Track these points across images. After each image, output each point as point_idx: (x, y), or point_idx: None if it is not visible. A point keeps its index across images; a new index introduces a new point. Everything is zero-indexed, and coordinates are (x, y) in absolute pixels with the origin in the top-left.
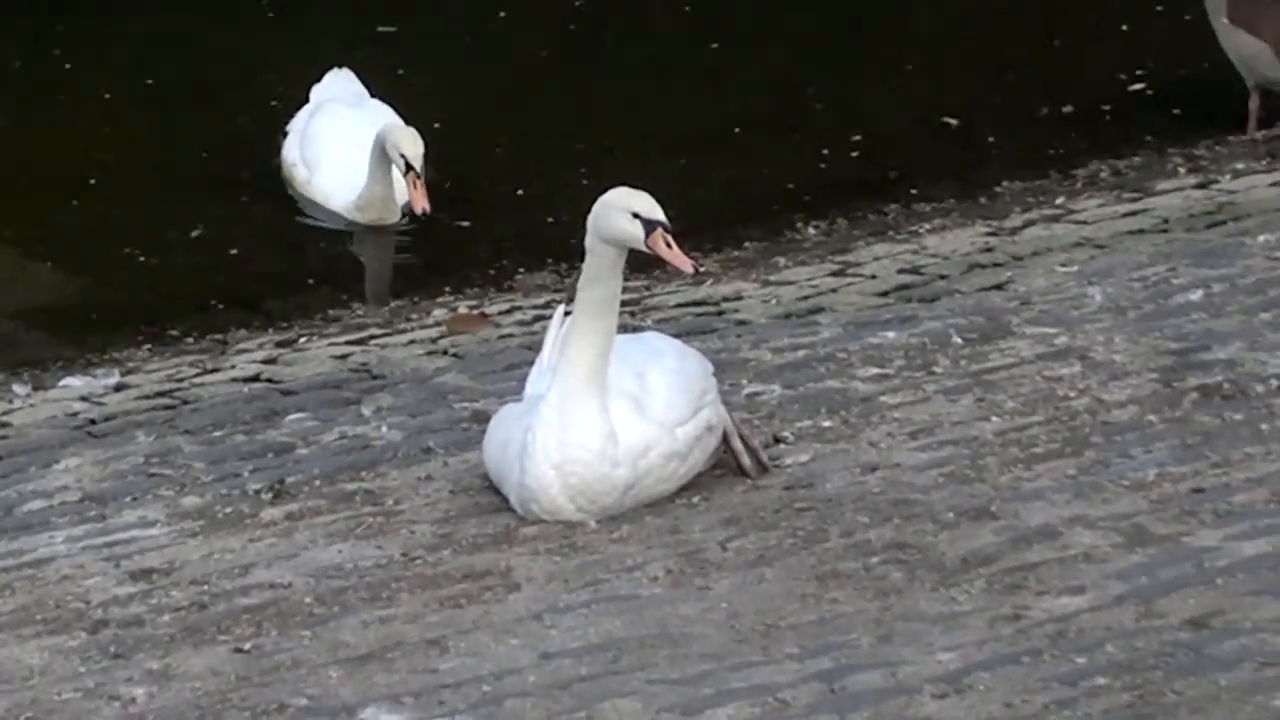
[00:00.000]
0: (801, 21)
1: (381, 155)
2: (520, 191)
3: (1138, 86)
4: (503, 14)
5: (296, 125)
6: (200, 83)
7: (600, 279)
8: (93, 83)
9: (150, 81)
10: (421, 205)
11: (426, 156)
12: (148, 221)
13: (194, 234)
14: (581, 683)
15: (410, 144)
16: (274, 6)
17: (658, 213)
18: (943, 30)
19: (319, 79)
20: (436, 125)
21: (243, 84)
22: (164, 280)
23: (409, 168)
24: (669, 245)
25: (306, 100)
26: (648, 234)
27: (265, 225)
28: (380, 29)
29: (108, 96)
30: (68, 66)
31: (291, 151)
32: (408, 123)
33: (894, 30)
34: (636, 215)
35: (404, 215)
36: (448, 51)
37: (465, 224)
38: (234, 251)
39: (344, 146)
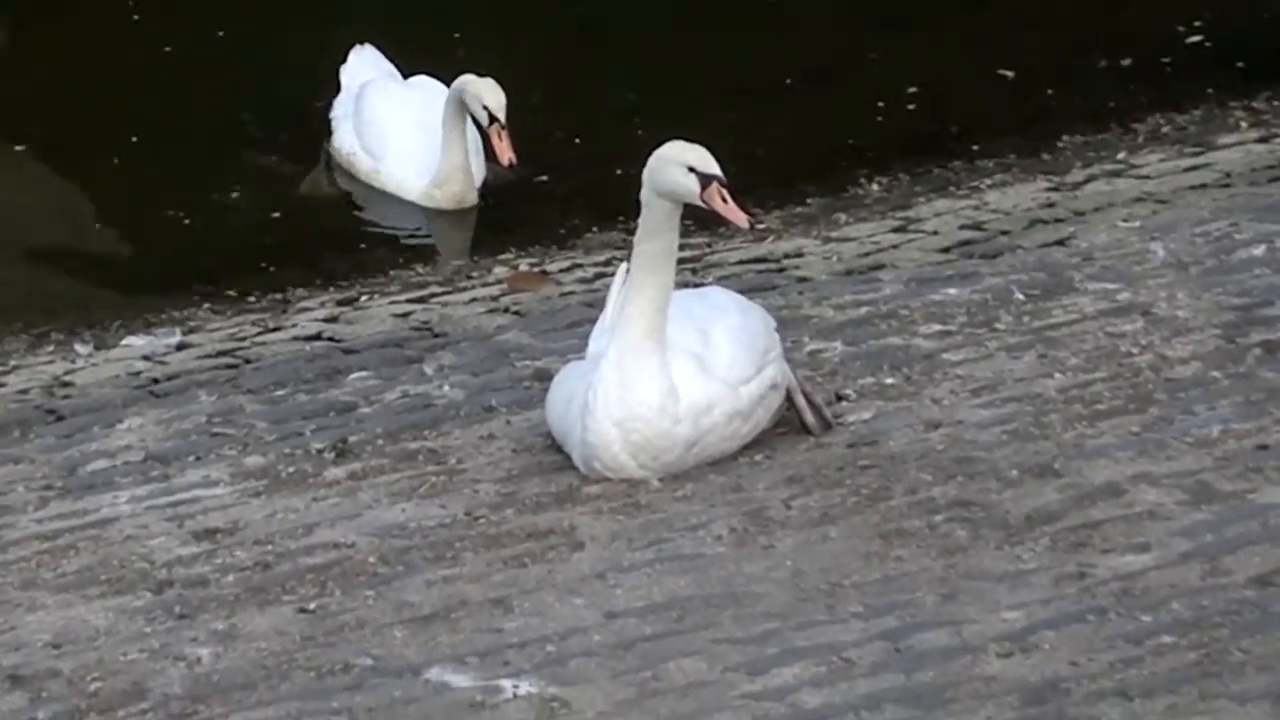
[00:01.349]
0: None
1: (456, 117)
2: (580, 149)
3: (1196, 39)
4: None
5: (343, 111)
6: (266, 37)
7: (656, 233)
8: (158, 36)
9: (221, 33)
10: (508, 156)
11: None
12: (201, 180)
13: (250, 192)
14: (646, 642)
15: (492, 94)
16: None
17: (713, 166)
18: None
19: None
20: (509, 82)
21: (297, 41)
22: (223, 239)
23: (492, 119)
24: (724, 200)
25: (337, 86)
26: (703, 188)
27: (322, 184)
28: None
29: (168, 50)
30: (136, 18)
31: (347, 140)
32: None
33: None
34: (692, 169)
35: (483, 195)
36: (503, 8)
37: (525, 181)
38: (291, 210)
39: (407, 129)
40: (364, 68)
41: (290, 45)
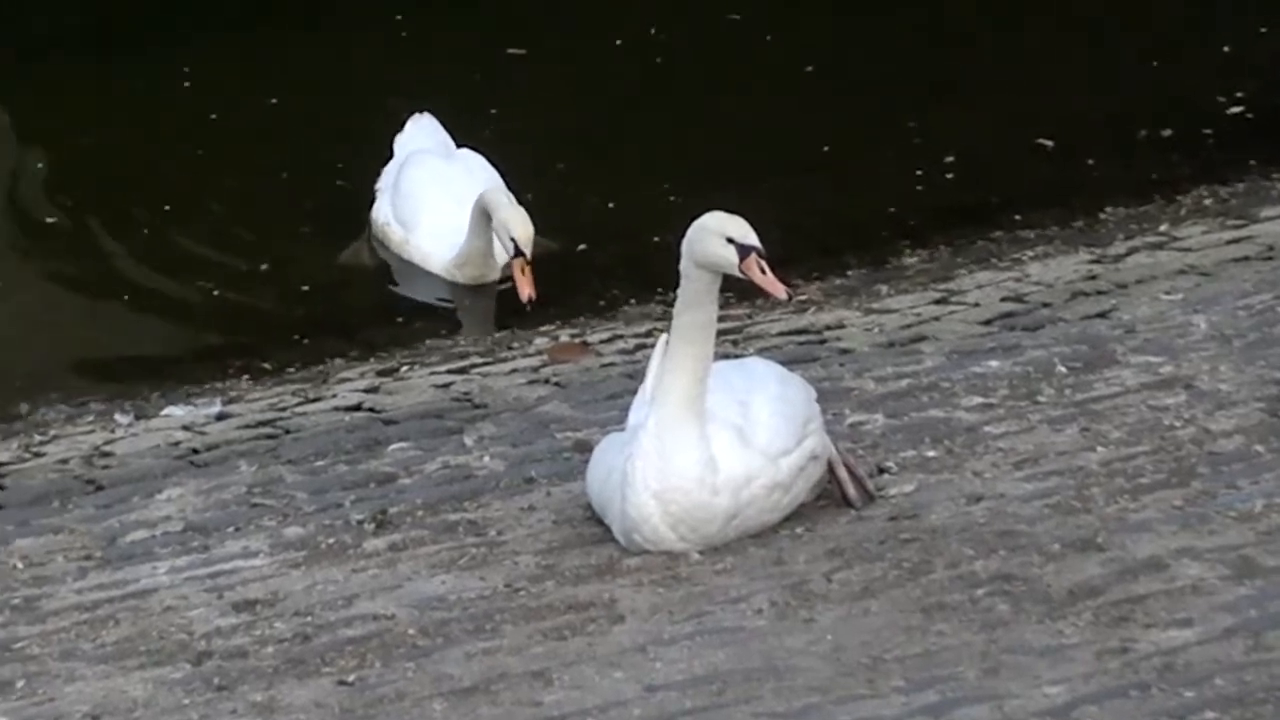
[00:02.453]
0: (895, 44)
1: (481, 216)
2: (619, 220)
3: (1237, 110)
4: (618, 41)
5: (386, 183)
6: (312, 109)
7: (696, 304)
8: (205, 105)
9: (274, 101)
10: (527, 292)
11: (535, 232)
12: (243, 249)
13: (291, 262)
14: (686, 716)
15: (520, 227)
16: (409, 28)
17: (751, 237)
18: (1038, 52)
19: (401, 127)
20: (535, 153)
21: (352, 111)
22: (263, 309)
23: (518, 252)
24: (763, 271)
25: (390, 154)
26: (742, 259)
27: (363, 255)
28: (510, 51)
29: (214, 117)
30: (187, 85)
31: (384, 210)
32: (498, 166)
33: (989, 53)
34: (731, 240)
35: (504, 274)
36: (545, 79)
37: (566, 252)
38: (332, 281)
39: (440, 204)
40: (419, 137)
41: (341, 115)
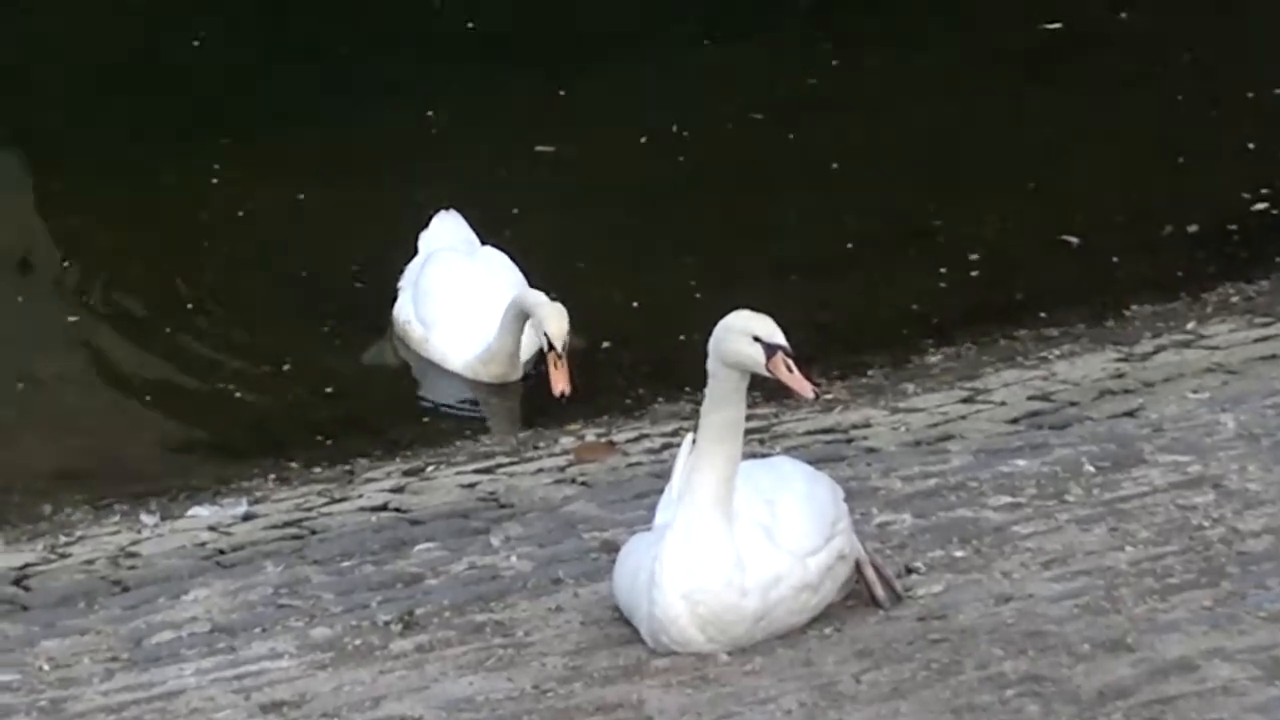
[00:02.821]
0: (916, 140)
1: (514, 315)
2: (644, 319)
3: (1262, 206)
4: (643, 139)
5: (408, 280)
6: (338, 205)
7: (723, 403)
8: (232, 202)
9: (301, 196)
10: (561, 387)
11: (570, 332)
12: (267, 348)
13: (315, 361)
14: None
15: (556, 323)
16: (440, 123)
17: (778, 336)
18: (1060, 147)
19: (426, 225)
20: (560, 250)
21: (379, 207)
22: (288, 408)
23: (551, 347)
24: (789, 369)
25: (415, 251)
26: (768, 358)
27: (386, 353)
28: (539, 148)
29: (240, 214)
30: (215, 181)
31: (405, 309)
32: (521, 263)
33: (1011, 148)
34: (757, 339)
35: (526, 373)
36: (568, 177)
37: (591, 350)
38: (357, 380)
39: (459, 302)
40: (443, 234)
41: (367, 211)
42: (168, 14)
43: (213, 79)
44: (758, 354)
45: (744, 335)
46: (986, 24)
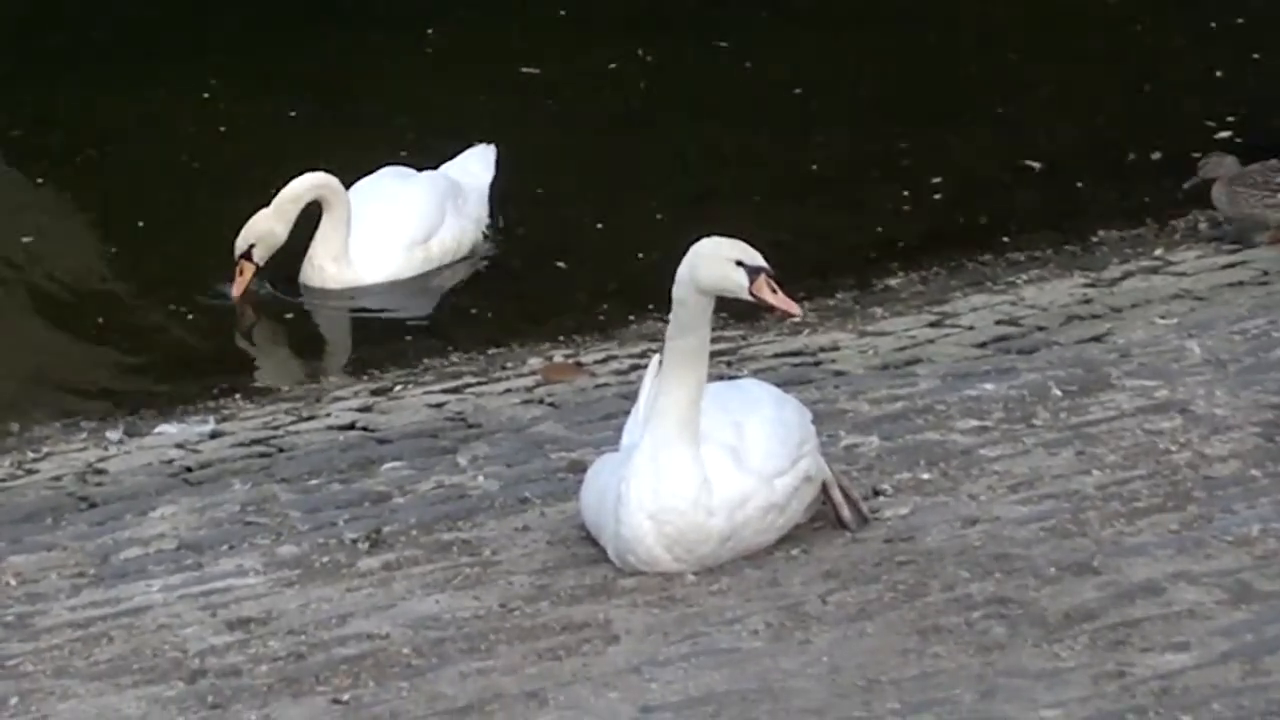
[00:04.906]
0: (880, 68)
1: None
2: (612, 241)
3: (1225, 134)
4: (611, 65)
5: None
6: (319, 119)
7: (691, 328)
8: (221, 115)
9: (293, 114)
10: (237, 292)
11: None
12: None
13: (284, 279)
14: None
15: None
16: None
17: (759, 259)
18: (1025, 74)
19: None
20: (527, 172)
21: (360, 123)
22: (255, 327)
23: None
24: (774, 290)
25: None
26: (751, 281)
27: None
28: (524, 69)
29: (222, 130)
30: (206, 95)
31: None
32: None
33: (974, 74)
34: (740, 263)
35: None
36: (540, 99)
37: (560, 272)
38: (323, 299)
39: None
40: (470, 163)
41: (352, 128)
42: None
43: None
44: (741, 277)
45: (725, 260)
46: None
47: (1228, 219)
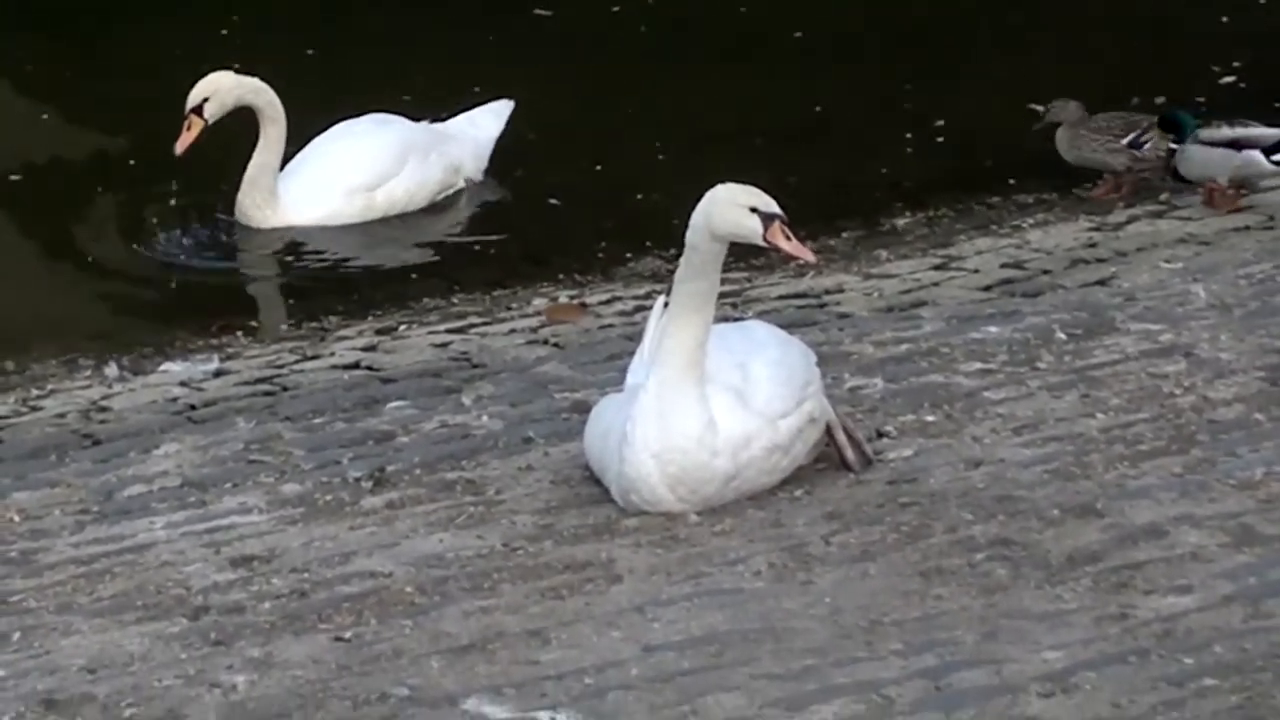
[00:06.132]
0: (889, 11)
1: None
2: (618, 183)
3: (1230, 79)
4: (615, 9)
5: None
6: (325, 64)
7: (701, 273)
8: (251, 45)
9: (310, 52)
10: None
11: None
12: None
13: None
14: (684, 676)
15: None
16: None
17: (774, 205)
18: (1031, 18)
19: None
20: (538, 116)
21: (364, 64)
22: (260, 266)
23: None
24: (788, 237)
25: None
26: (766, 227)
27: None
28: (537, 11)
29: (237, 67)
30: (224, 32)
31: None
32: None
33: (985, 19)
34: (754, 209)
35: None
36: (550, 43)
37: (562, 213)
38: (326, 240)
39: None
40: (482, 116)
41: (352, 70)
42: None
43: None
44: (755, 224)
45: (740, 207)
46: None
47: (1069, 163)
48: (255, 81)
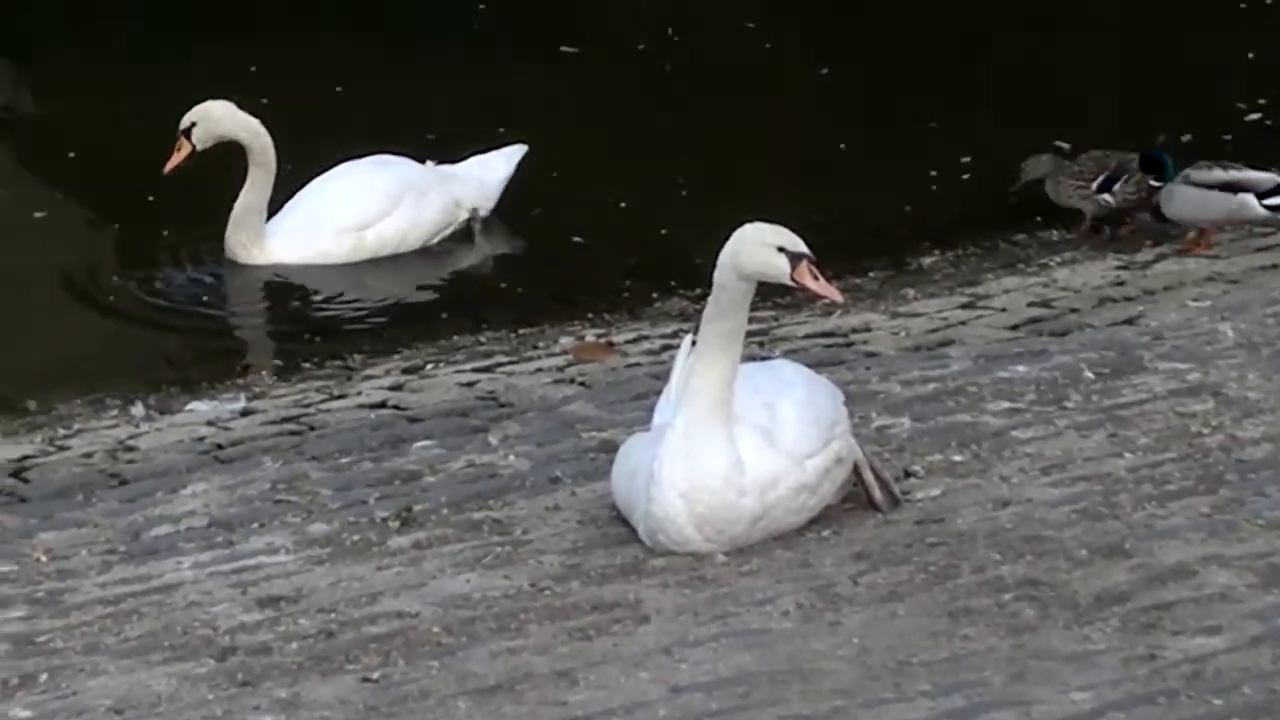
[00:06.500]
0: (909, 48)
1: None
2: (643, 221)
3: (1255, 116)
4: (640, 46)
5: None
6: (359, 101)
7: (729, 313)
8: (260, 90)
9: (340, 88)
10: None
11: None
12: None
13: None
14: (712, 717)
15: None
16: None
17: (801, 245)
18: (1055, 55)
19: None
20: (557, 150)
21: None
22: (286, 305)
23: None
24: (815, 277)
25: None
26: (793, 267)
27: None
28: (563, 48)
29: (264, 102)
30: (253, 69)
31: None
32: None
33: (1004, 55)
34: (782, 249)
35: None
36: (575, 80)
37: (590, 252)
38: (354, 280)
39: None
40: (494, 159)
41: (383, 110)
42: None
43: None
44: (783, 264)
45: (767, 246)
46: None
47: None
48: (250, 120)
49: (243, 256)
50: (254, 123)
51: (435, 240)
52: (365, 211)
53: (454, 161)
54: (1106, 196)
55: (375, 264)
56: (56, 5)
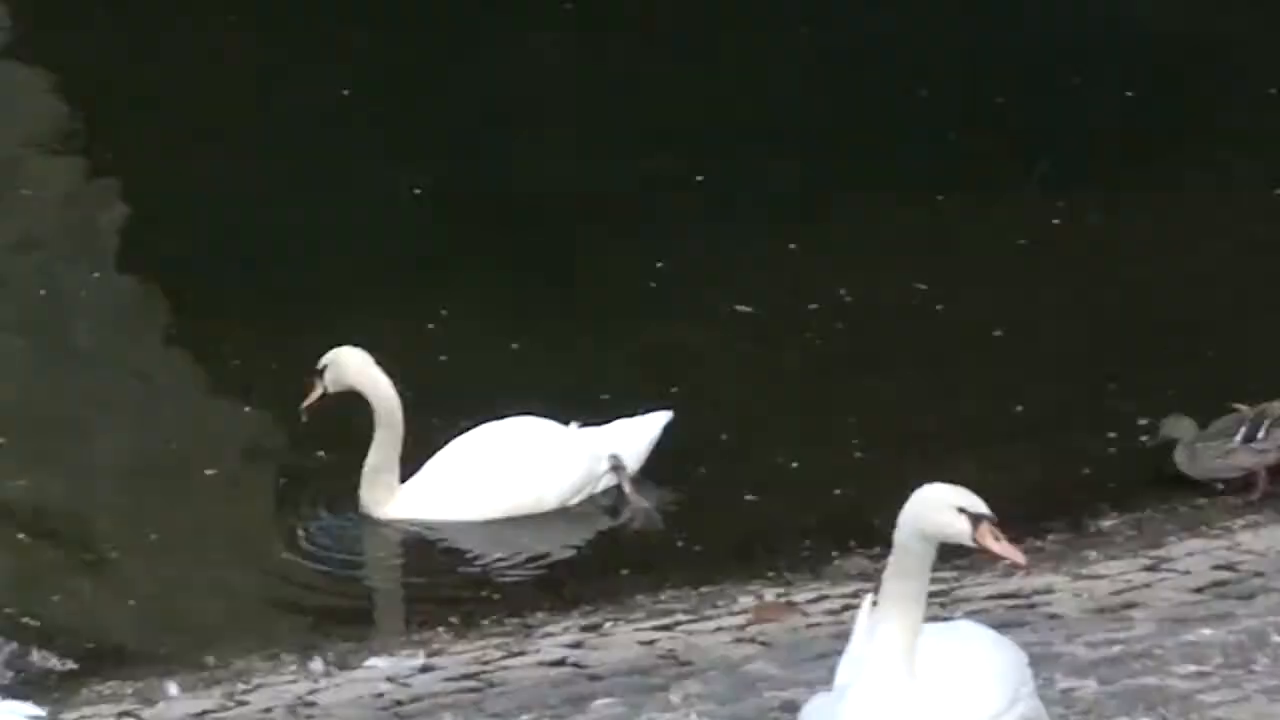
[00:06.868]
0: (1086, 309)
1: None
2: (817, 480)
3: None
4: (812, 306)
5: None
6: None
7: (911, 574)
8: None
9: (516, 346)
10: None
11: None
12: None
13: None
14: None
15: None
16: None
17: (982, 506)
18: (1240, 312)
19: None
20: (732, 409)
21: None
22: (449, 562)
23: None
24: (997, 538)
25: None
26: (974, 528)
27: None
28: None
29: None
30: None
31: None
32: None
33: (1187, 315)
34: (962, 510)
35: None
36: (748, 340)
37: (765, 511)
38: (531, 535)
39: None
40: (639, 424)
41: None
42: None
43: None
44: (963, 525)
45: (948, 508)
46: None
47: (1195, 478)
48: (380, 380)
49: (376, 511)
50: (384, 383)
51: (575, 500)
52: (506, 472)
53: (599, 424)
54: (1255, 444)
55: (537, 521)
56: None
